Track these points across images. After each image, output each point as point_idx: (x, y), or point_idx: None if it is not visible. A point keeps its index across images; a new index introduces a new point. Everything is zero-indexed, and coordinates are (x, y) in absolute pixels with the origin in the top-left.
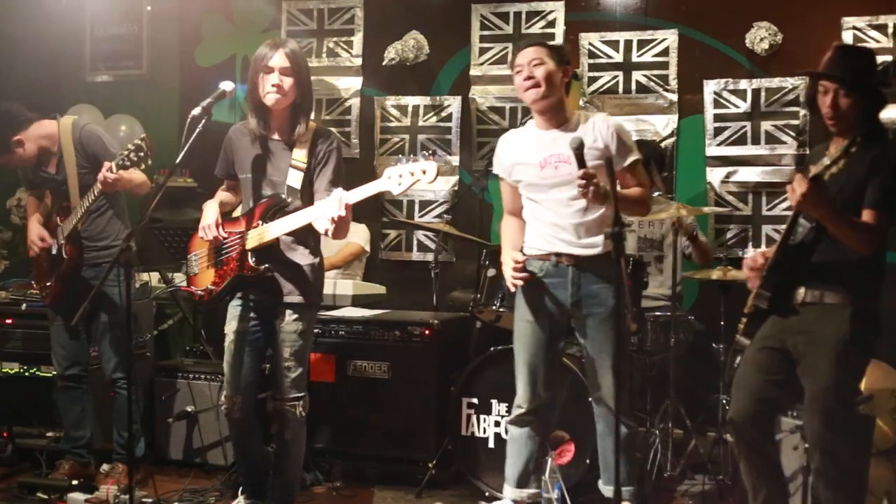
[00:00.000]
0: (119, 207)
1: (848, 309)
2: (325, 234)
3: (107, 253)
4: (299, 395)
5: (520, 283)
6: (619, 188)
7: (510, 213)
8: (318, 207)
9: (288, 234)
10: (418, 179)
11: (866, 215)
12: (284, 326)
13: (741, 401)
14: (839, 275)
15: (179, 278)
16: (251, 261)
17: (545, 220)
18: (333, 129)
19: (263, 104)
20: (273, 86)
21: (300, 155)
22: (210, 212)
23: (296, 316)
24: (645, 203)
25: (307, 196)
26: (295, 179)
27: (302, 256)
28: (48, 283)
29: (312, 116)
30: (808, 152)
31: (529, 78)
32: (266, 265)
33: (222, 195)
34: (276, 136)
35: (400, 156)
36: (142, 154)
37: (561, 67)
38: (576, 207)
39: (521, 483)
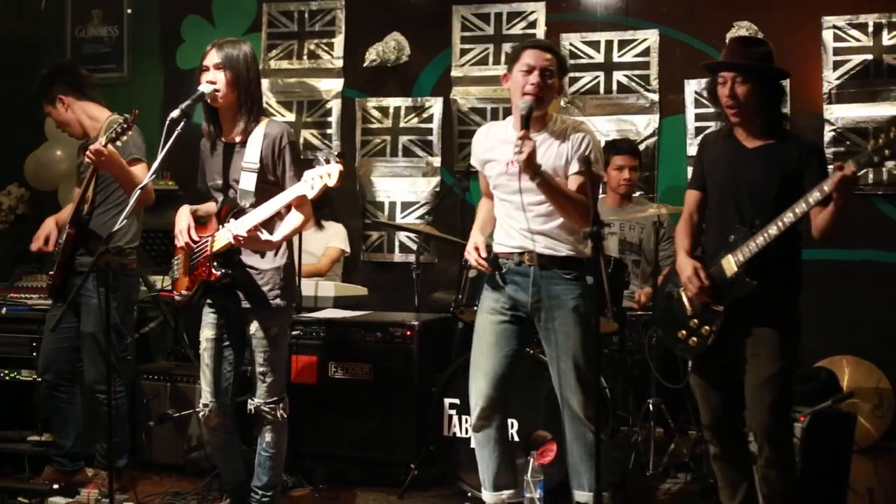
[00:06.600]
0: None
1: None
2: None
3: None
4: (277, 398)
5: (476, 265)
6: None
7: (485, 194)
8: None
9: None
10: (325, 183)
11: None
12: (254, 333)
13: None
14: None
15: (160, 281)
16: (213, 266)
17: (511, 218)
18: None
19: (209, 104)
20: (208, 82)
21: (251, 156)
22: (181, 217)
23: (263, 322)
24: (581, 210)
25: (265, 196)
26: (248, 182)
27: (261, 261)
28: (51, 272)
29: (293, 118)
30: None
31: (536, 84)
32: (224, 271)
33: (207, 205)
34: (228, 139)
35: (317, 154)
36: (125, 126)
37: (561, 82)
38: (540, 212)
39: (498, 486)
